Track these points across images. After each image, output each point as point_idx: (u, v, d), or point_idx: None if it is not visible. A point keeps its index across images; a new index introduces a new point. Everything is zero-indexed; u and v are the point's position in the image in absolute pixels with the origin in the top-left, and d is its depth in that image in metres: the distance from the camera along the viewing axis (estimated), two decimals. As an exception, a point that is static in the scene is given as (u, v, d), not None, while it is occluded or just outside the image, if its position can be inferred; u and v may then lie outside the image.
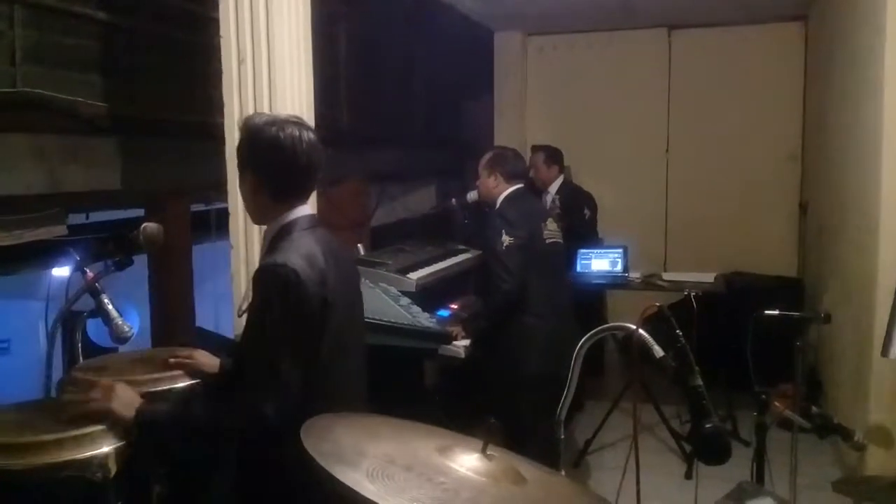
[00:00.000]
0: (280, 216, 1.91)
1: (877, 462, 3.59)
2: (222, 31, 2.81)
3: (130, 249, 2.14)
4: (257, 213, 1.98)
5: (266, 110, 2.79)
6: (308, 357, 1.75)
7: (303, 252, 1.80)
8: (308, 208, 1.97)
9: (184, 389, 2.00)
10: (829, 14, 5.53)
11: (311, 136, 1.91)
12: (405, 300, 3.48)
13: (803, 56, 6.48)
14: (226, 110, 2.82)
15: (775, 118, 6.56)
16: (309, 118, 2.95)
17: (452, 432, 1.42)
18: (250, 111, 2.79)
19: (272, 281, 1.75)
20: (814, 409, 2.80)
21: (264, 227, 1.99)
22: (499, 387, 3.59)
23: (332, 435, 1.24)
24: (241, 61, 2.80)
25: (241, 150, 1.94)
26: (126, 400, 1.78)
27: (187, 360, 2.08)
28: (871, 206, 3.99)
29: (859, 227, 4.26)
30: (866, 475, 3.50)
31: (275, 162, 1.87)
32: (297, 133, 1.88)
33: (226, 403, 1.76)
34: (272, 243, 1.88)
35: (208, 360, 2.10)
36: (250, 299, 1.83)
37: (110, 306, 2.11)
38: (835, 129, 5.15)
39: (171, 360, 2.08)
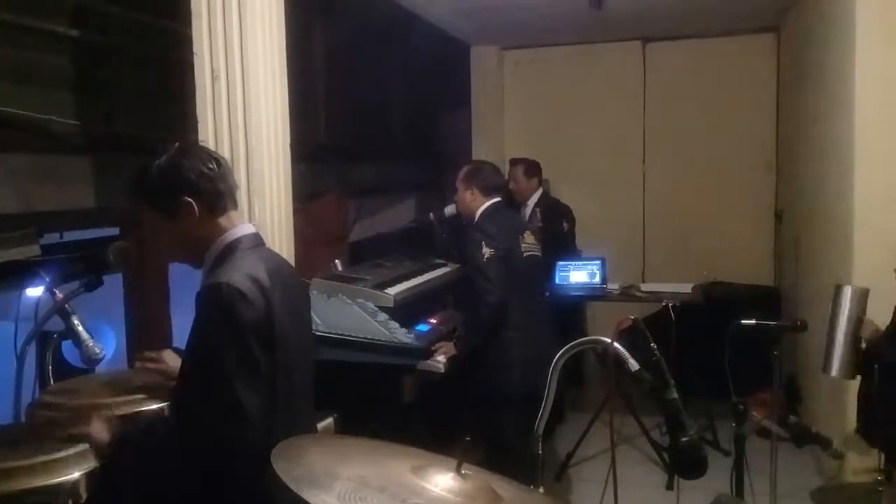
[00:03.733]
0: (222, 234, 1.86)
1: (855, 470, 3.61)
2: (195, 48, 2.79)
3: (100, 269, 2.10)
4: (198, 243, 1.87)
5: (240, 126, 2.77)
6: (263, 381, 1.70)
7: (247, 271, 1.76)
8: (251, 227, 1.94)
9: (152, 413, 1.95)
10: (800, 26, 5.61)
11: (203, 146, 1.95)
12: (383, 316, 3.46)
13: (776, 67, 6.57)
14: (200, 127, 2.79)
15: (750, 129, 6.63)
16: (284, 133, 2.94)
17: (428, 452, 1.41)
18: (224, 128, 2.77)
19: (216, 301, 1.70)
20: (791, 418, 2.82)
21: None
22: (478, 401, 3.59)
23: (304, 458, 1.22)
24: (214, 78, 2.78)
25: (159, 191, 1.84)
26: (101, 429, 1.77)
27: (155, 366, 2.05)
28: (844, 215, 4.04)
29: (833, 236, 4.31)
30: (845, 483, 3.52)
31: (194, 169, 1.83)
32: (190, 145, 1.92)
33: (187, 431, 1.71)
34: (215, 263, 1.83)
35: (176, 364, 2.06)
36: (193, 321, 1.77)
37: (80, 327, 2.07)
38: (808, 138, 5.21)
39: (138, 363, 2.04)
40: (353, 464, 1.23)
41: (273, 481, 1.10)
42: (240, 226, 1.90)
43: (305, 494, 1.04)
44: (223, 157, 1.97)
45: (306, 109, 4.47)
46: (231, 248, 1.84)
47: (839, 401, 3.99)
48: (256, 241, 1.92)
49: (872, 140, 3.85)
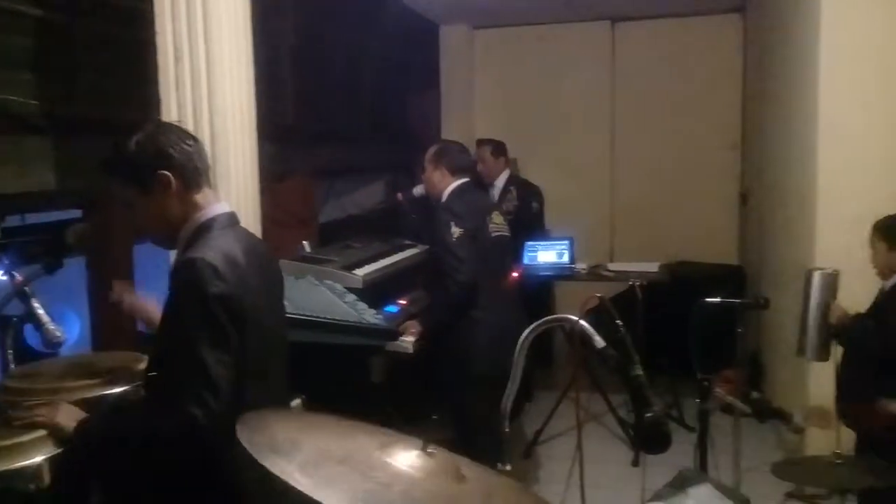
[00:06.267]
0: (197, 212, 1.85)
1: (816, 444, 3.70)
2: (157, 27, 2.75)
3: (60, 251, 2.07)
4: (173, 220, 1.86)
5: (205, 107, 2.74)
6: (232, 357, 1.70)
7: (222, 249, 1.75)
8: (226, 206, 1.93)
9: (117, 396, 1.94)
10: (766, 6, 5.65)
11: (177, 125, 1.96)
12: (351, 297, 3.45)
13: (742, 47, 6.62)
14: (163, 108, 2.75)
15: (716, 109, 6.70)
16: (250, 114, 2.91)
17: (396, 431, 1.42)
18: (188, 108, 2.74)
19: (189, 277, 1.69)
20: (754, 393, 2.88)
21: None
22: (447, 383, 3.61)
23: (269, 428, 1.23)
24: (177, 58, 2.74)
25: (136, 165, 1.83)
26: (69, 414, 1.77)
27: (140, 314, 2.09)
28: (807, 195, 4.10)
29: (796, 216, 4.38)
30: (805, 456, 3.60)
31: (171, 144, 1.82)
32: (165, 123, 1.95)
33: (155, 409, 1.72)
34: (189, 241, 1.82)
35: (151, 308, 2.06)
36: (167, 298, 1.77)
37: (41, 311, 2.04)
38: (773, 119, 5.27)
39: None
40: (319, 436, 1.24)
41: (238, 454, 1.11)
42: (215, 204, 1.89)
43: (265, 461, 1.04)
44: (197, 137, 1.97)
45: (273, 90, 4.42)
46: (206, 227, 1.83)
47: (800, 377, 4.08)
48: (232, 220, 1.91)
49: (836, 121, 3.90)
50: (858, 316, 3.21)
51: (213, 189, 1.94)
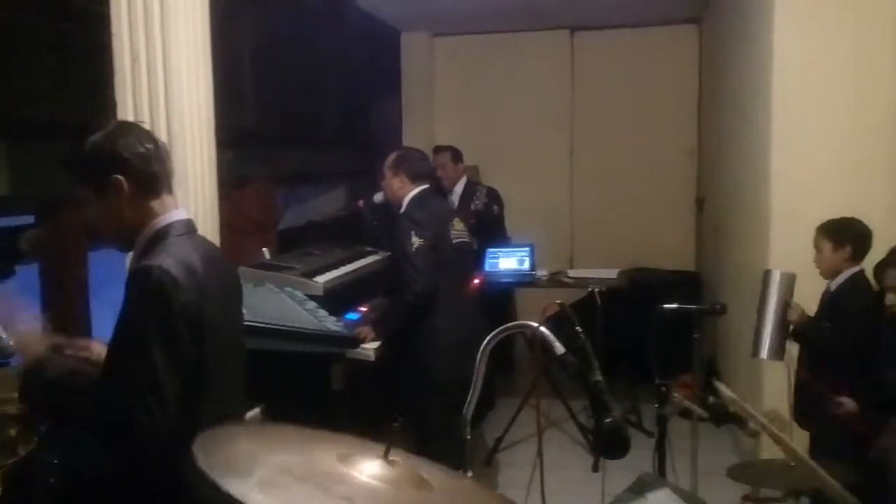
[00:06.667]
0: (154, 219, 1.82)
1: (771, 447, 3.76)
2: (114, 28, 2.69)
3: (12, 258, 2.02)
4: (127, 226, 1.83)
5: (162, 110, 2.69)
6: (185, 367, 1.68)
7: (179, 257, 1.73)
8: (184, 213, 1.90)
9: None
10: (720, 17, 5.76)
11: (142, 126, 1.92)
12: (311, 304, 3.43)
13: (698, 57, 6.75)
14: (119, 111, 2.70)
15: (673, 117, 6.82)
16: (208, 118, 2.87)
17: (358, 439, 1.40)
18: (145, 112, 2.69)
19: (145, 284, 1.67)
20: (710, 398, 2.91)
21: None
22: (408, 390, 3.60)
23: (227, 446, 1.20)
24: (134, 59, 2.69)
25: (90, 167, 1.80)
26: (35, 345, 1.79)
27: (83, 354, 1.99)
28: (761, 202, 4.18)
29: (751, 222, 4.46)
30: (760, 459, 3.66)
31: (128, 147, 1.79)
32: (128, 124, 1.91)
33: (102, 396, 1.68)
34: (145, 247, 1.79)
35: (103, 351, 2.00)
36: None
37: (-9, 320, 1.99)
38: (728, 127, 5.37)
39: (68, 352, 1.99)
40: (279, 452, 1.21)
41: (192, 470, 1.08)
42: (173, 211, 1.86)
43: (222, 481, 1.02)
44: (162, 141, 1.94)
45: (233, 94, 4.37)
46: (162, 234, 1.81)
47: (756, 381, 4.15)
48: (189, 227, 1.88)
49: (789, 128, 3.98)
50: (816, 317, 3.28)
51: (173, 195, 1.91)
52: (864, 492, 2.53)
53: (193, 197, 2.77)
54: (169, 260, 1.70)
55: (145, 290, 1.67)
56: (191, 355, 1.69)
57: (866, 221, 3.32)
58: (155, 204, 1.83)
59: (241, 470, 1.09)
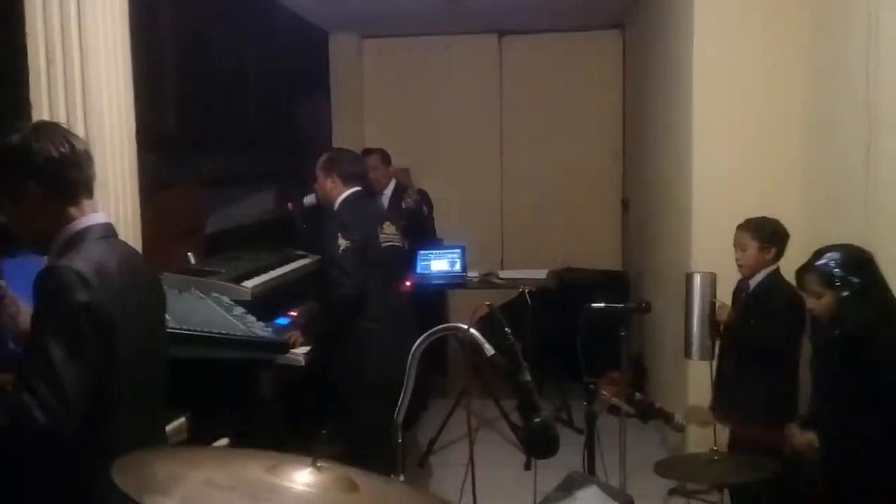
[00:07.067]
0: (69, 223, 1.77)
1: (696, 441, 3.87)
2: (28, 28, 2.60)
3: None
4: (42, 230, 1.78)
5: (79, 114, 2.61)
6: (90, 367, 1.63)
7: (91, 259, 1.69)
8: (103, 216, 1.85)
9: None
10: (643, 23, 5.91)
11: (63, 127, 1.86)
12: (239, 310, 3.36)
13: (622, 62, 6.90)
14: (34, 115, 2.60)
15: (598, 120, 6.95)
16: (128, 121, 2.79)
17: (284, 452, 1.38)
18: (61, 113, 2.60)
19: (52, 284, 1.63)
20: (637, 395, 2.97)
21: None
22: (340, 392, 3.57)
23: (147, 467, 1.16)
24: (49, 61, 2.60)
25: (3, 171, 1.75)
26: None
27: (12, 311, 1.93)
28: (683, 202, 4.30)
29: (674, 222, 4.58)
30: (686, 454, 3.77)
31: (42, 152, 1.72)
32: (47, 125, 1.85)
33: (2, 394, 1.64)
34: (60, 251, 1.74)
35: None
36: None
37: None
38: (651, 130, 5.51)
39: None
40: (202, 468, 1.18)
41: (111, 491, 1.05)
42: (91, 215, 1.81)
43: (143, 500, 0.98)
44: (83, 143, 1.86)
45: (154, 96, 4.25)
46: (79, 237, 1.76)
47: (681, 378, 4.26)
48: (107, 231, 1.83)
49: (709, 131, 4.11)
50: (740, 315, 3.36)
51: (93, 200, 1.85)
52: (782, 483, 2.62)
53: (115, 199, 2.69)
54: (81, 261, 1.67)
55: (51, 289, 1.64)
56: (97, 355, 1.65)
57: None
58: (73, 210, 1.78)
59: (163, 487, 1.06)
